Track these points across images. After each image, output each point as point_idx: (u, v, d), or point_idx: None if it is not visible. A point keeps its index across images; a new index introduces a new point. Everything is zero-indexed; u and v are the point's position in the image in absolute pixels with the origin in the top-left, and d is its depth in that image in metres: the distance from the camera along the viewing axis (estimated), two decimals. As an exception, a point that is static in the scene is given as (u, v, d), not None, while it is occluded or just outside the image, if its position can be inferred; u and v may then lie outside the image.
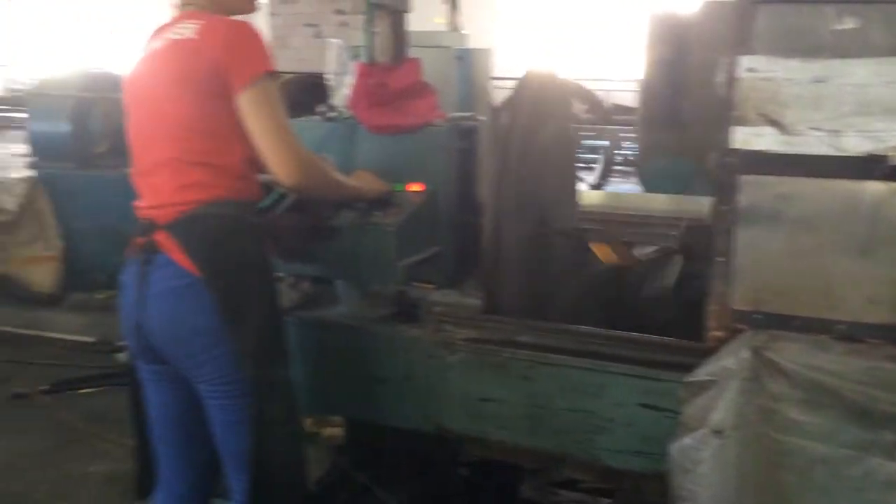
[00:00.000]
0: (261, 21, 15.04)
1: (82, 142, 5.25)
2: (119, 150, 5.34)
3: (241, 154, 1.86)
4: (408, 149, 2.35)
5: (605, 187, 8.35)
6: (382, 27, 2.48)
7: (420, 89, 2.51)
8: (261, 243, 1.92)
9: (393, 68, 2.49)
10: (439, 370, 2.04)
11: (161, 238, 1.83)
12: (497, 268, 2.11)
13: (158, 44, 1.90)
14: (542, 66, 2.38)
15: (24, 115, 14.30)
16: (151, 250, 1.84)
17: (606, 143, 8.71)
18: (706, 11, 4.41)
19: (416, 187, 2.22)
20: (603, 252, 2.54)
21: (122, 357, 4.58)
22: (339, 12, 20.91)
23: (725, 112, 1.79)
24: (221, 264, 1.80)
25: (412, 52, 2.62)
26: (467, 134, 2.49)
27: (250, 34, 1.84)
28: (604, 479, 2.05)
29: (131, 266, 1.89)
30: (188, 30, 1.85)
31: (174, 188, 1.84)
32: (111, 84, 5.36)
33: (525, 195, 2.17)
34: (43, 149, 5.31)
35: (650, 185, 5.33)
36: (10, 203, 5.19)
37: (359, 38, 2.69)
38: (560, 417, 1.96)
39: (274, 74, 1.86)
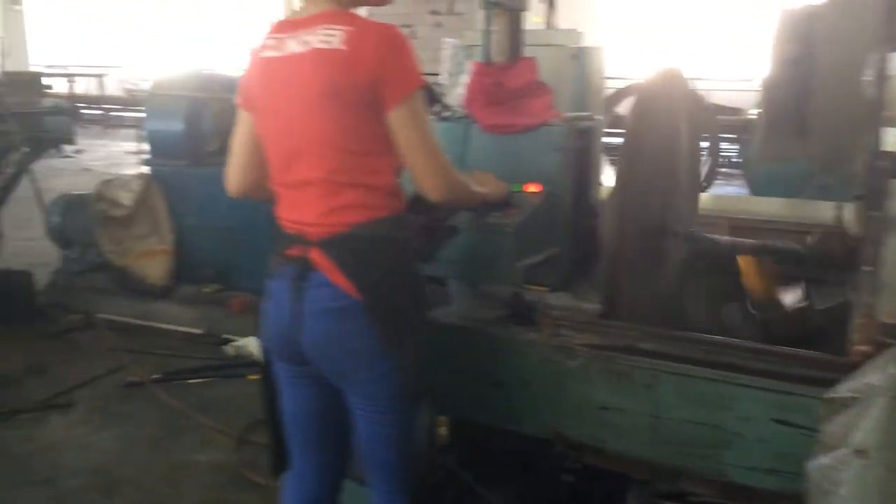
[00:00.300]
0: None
1: (194, 140, 5.44)
2: (228, 149, 5.54)
3: (391, 170, 1.83)
4: (523, 149, 2.32)
5: (709, 189, 8.09)
6: (499, 26, 2.45)
7: (535, 88, 2.47)
8: (415, 257, 1.90)
9: (509, 67, 2.46)
10: (556, 375, 1.99)
11: (315, 256, 1.80)
12: (618, 272, 2.04)
13: (296, 48, 1.79)
14: (668, 64, 2.29)
15: (133, 115, 14.99)
16: (305, 267, 1.80)
17: (710, 143, 8.43)
18: (841, 5, 4.16)
19: (533, 188, 2.18)
20: (752, 269, 2.40)
21: (229, 350, 4.75)
22: (434, 13, 21.06)
23: (875, 113, 1.67)
24: (381, 286, 1.78)
25: (525, 51, 2.59)
26: (583, 134, 2.43)
27: (402, 44, 1.76)
28: (727, 495, 1.95)
29: (282, 278, 1.86)
30: (334, 38, 1.74)
31: (326, 209, 1.80)
32: (222, 84, 5.54)
33: (649, 196, 2.10)
34: (158, 147, 5.53)
35: (759, 189, 5.12)
36: (127, 199, 5.41)
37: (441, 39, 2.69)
38: (684, 430, 1.88)
39: (424, 86, 1.81)
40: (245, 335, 4.89)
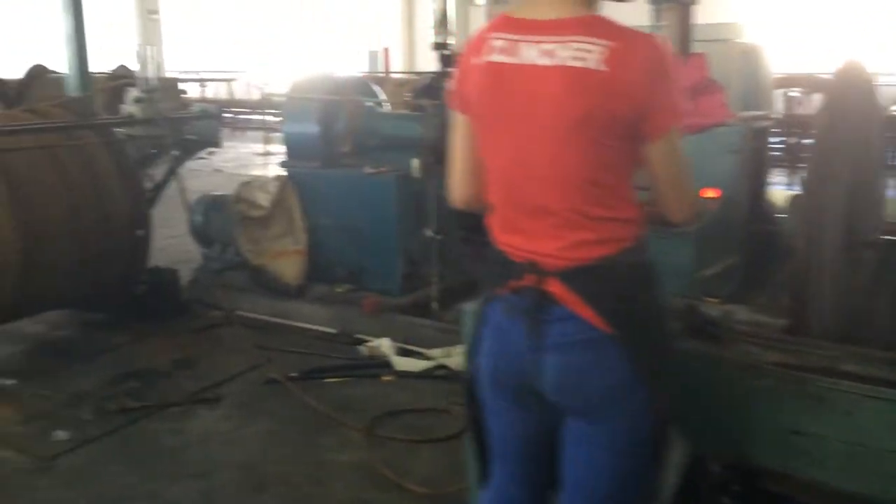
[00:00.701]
0: (478, 21, 15.13)
1: (328, 142, 5.54)
2: (360, 151, 5.62)
3: (634, 197, 1.69)
4: (696, 150, 2.17)
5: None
6: (670, 21, 2.33)
7: (707, 86, 2.32)
8: (660, 284, 1.76)
9: (679, 64, 2.32)
10: (742, 395, 1.85)
11: (556, 289, 1.66)
12: (806, 283, 1.88)
13: (538, 58, 1.60)
14: (852, 60, 2.10)
15: (259, 117, 15.50)
16: (542, 299, 1.67)
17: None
18: None
19: (711, 193, 2.05)
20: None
21: (363, 350, 4.79)
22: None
23: None
24: (633, 319, 1.66)
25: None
26: (759, 134, 2.28)
27: (670, 66, 1.57)
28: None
29: (510, 309, 1.73)
30: (591, 54, 1.54)
31: (567, 244, 1.66)
32: (355, 87, 5.62)
33: (843, 201, 1.92)
34: (294, 149, 5.67)
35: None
36: (265, 200, 5.57)
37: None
38: (889, 460, 1.71)
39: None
40: (377, 335, 4.93)
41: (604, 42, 1.55)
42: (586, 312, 1.65)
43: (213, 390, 4.25)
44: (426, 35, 23.63)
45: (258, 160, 14.05)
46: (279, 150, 15.21)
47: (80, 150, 4.42)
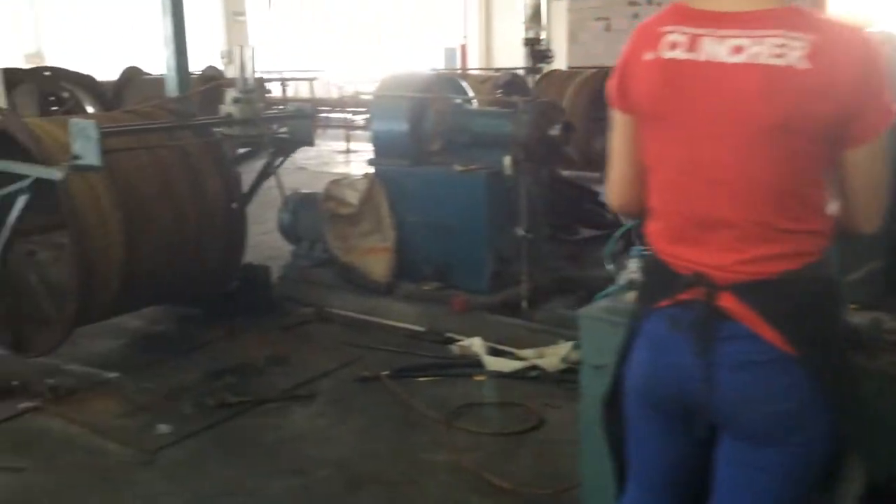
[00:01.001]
0: (559, 17, 14.83)
1: (417, 140, 5.52)
2: (449, 149, 5.58)
3: (826, 206, 1.56)
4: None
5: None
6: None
7: None
8: (844, 301, 1.66)
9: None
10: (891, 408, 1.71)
11: (729, 304, 1.53)
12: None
13: (725, 55, 1.47)
14: None
15: (340, 115, 15.71)
16: (713, 315, 1.54)
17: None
18: None
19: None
20: None
21: (454, 349, 4.75)
22: (633, 3, 20.13)
23: None
24: (817, 338, 1.54)
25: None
26: None
27: (882, 62, 1.43)
28: None
29: (673, 325, 1.60)
30: (792, 50, 1.40)
31: (748, 258, 1.53)
32: (444, 85, 5.59)
33: None
34: (382, 147, 5.67)
35: None
36: (354, 198, 5.60)
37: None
38: None
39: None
40: (467, 334, 4.88)
41: (805, 36, 1.41)
42: (765, 330, 1.51)
43: (306, 387, 4.28)
44: (505, 31, 23.55)
45: (340, 158, 14.25)
46: (360, 147, 15.43)
47: (181, 150, 4.53)
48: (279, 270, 6.04)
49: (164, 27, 4.91)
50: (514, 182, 4.97)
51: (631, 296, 2.24)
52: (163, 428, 3.80)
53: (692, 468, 1.74)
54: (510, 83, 11.30)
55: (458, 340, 4.82)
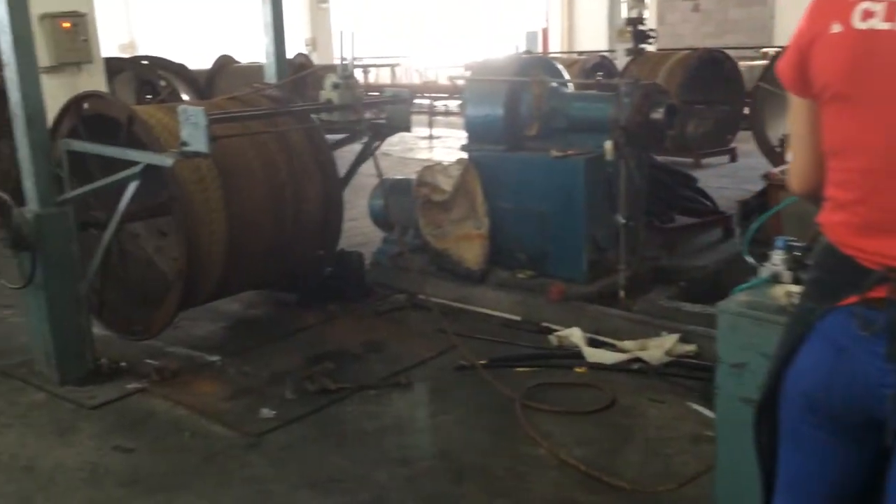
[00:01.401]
0: (648, -2, 14.29)
1: (513, 125, 5.41)
2: (546, 134, 5.46)
3: None
4: None
5: None
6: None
7: None
8: None
9: None
10: None
11: None
12: None
13: None
14: None
15: (422, 101, 15.70)
16: None
17: None
18: None
19: None
20: None
21: (552, 339, 4.65)
22: (719, -19, 19.28)
23: None
24: None
25: None
26: None
27: None
28: None
29: (866, 327, 1.47)
30: None
31: None
32: (542, 68, 5.45)
33: None
34: (477, 132, 5.58)
35: None
36: (447, 184, 5.53)
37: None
38: None
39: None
40: (563, 324, 4.78)
41: None
42: None
43: (404, 375, 4.25)
44: (588, 13, 23.08)
45: (423, 143, 14.24)
46: (443, 133, 15.39)
47: (281, 136, 4.55)
48: (370, 256, 6.04)
49: (264, 15, 4.93)
50: (615, 168, 4.81)
51: (776, 291, 2.09)
52: (266, 412, 3.84)
53: (859, 484, 1.60)
54: (598, 66, 11.07)
55: (555, 330, 4.72)
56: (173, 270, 4.28)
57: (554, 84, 5.43)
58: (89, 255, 4.23)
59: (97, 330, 4.44)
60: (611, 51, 12.65)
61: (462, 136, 5.80)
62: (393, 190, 6.21)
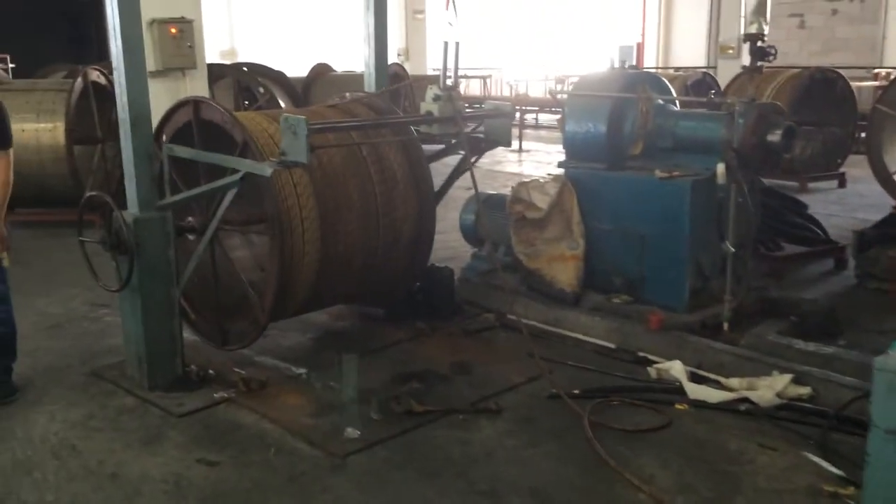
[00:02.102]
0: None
1: (616, 143, 5.18)
2: (649, 154, 5.21)
3: None
4: None
5: None
6: None
7: None
8: None
9: None
10: None
11: None
12: None
13: None
14: None
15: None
16: None
17: None
18: None
19: None
20: None
21: (651, 372, 4.39)
22: (831, -1, 18.46)
23: None
24: None
25: None
26: None
27: None
28: None
29: None
30: None
31: None
32: (649, 84, 5.20)
33: None
34: (576, 149, 5.37)
35: None
36: (543, 201, 5.34)
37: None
38: None
39: None
40: (661, 355, 4.52)
41: None
42: None
43: (493, 400, 4.08)
44: (686, 28, 22.47)
45: (512, 157, 14.06)
46: (532, 147, 15.18)
47: (377, 147, 4.46)
48: (458, 272, 5.90)
49: (366, 25, 4.87)
50: (726, 192, 4.52)
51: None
52: (351, 432, 3.73)
53: None
54: (700, 82, 10.67)
55: (654, 362, 4.47)
56: (264, 281, 4.22)
57: (660, 101, 5.17)
58: (184, 261, 4.23)
59: (186, 334, 4.44)
60: (712, 67, 12.19)
61: (552, 151, 5.67)
62: (485, 205, 6.07)
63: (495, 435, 3.78)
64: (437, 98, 4.21)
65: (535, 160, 13.51)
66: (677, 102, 5.21)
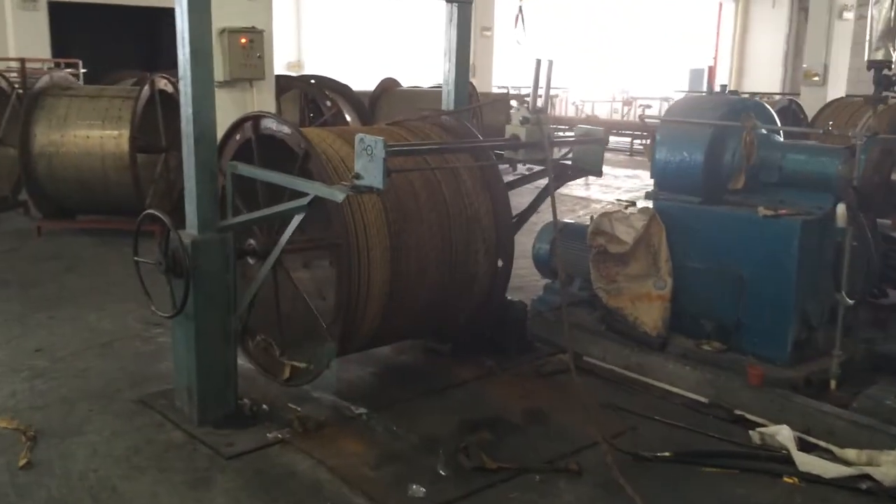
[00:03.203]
0: (842, 37, 13.06)
1: (714, 175, 4.72)
2: (750, 188, 4.73)
3: None
4: None
5: None
6: None
7: None
8: None
9: None
10: None
11: None
12: None
13: None
14: None
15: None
16: None
17: None
18: None
19: None
20: None
21: (753, 436, 3.90)
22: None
23: None
24: None
25: None
26: None
27: None
28: None
29: None
30: None
31: None
32: (754, 112, 4.73)
33: None
34: (668, 180, 4.92)
35: None
36: (628, 235, 4.90)
37: None
38: None
39: None
40: (763, 415, 4.03)
41: None
42: None
43: (573, 459, 3.65)
44: (760, 52, 21.74)
45: (579, 181, 13.58)
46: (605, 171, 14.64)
47: (455, 173, 4.09)
48: (529, 304, 5.48)
49: (448, 39, 4.52)
50: (844, 235, 4.02)
51: None
52: (416, 489, 3.34)
53: None
54: (785, 109, 10.08)
55: (754, 423, 3.98)
56: (329, 314, 3.88)
57: (764, 131, 4.70)
58: (243, 286, 3.93)
59: (240, 360, 4.13)
60: (795, 94, 11.57)
61: (619, 175, 5.18)
62: (561, 235, 5.67)
63: (576, 500, 3.35)
64: (525, 121, 3.83)
65: (604, 184, 13.00)
66: (782, 133, 4.71)
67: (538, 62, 3.70)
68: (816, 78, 11.83)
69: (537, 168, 4.32)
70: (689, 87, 23.67)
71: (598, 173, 4.35)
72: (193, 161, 3.70)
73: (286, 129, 3.73)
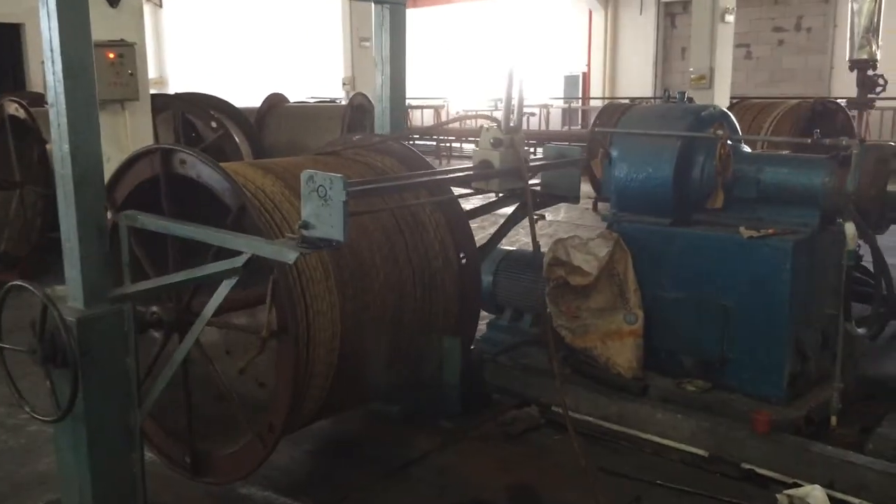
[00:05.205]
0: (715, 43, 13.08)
1: (683, 193, 4.21)
2: (728, 204, 4.25)
3: None
4: None
5: None
6: None
7: None
8: None
9: None
10: None
11: None
12: None
13: None
14: None
15: (468, 146, 14.70)
16: None
17: None
18: None
19: None
20: None
21: (781, 500, 3.37)
22: (778, 30, 18.64)
23: None
24: None
25: None
26: None
27: None
28: None
29: None
30: None
31: None
32: (726, 123, 4.26)
33: None
34: (630, 200, 4.38)
35: None
36: (589, 264, 4.31)
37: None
38: None
39: None
40: (778, 469, 3.52)
41: None
42: None
43: (585, 552, 3.00)
44: (631, 57, 22.11)
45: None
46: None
47: (410, 211, 3.34)
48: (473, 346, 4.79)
49: (379, 48, 3.78)
50: (852, 258, 3.59)
51: None
52: None
53: None
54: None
55: (772, 480, 3.47)
56: (271, 392, 3.04)
57: (735, 142, 4.24)
58: (147, 369, 3.03)
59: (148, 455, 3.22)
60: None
61: None
62: (507, 264, 5.04)
63: None
64: (497, 143, 3.13)
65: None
66: (758, 144, 4.27)
67: (510, 73, 3.03)
68: (704, 81, 11.83)
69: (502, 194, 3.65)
70: (565, 94, 23.85)
71: (575, 199, 3.73)
72: (74, 213, 2.77)
73: (204, 168, 2.85)
